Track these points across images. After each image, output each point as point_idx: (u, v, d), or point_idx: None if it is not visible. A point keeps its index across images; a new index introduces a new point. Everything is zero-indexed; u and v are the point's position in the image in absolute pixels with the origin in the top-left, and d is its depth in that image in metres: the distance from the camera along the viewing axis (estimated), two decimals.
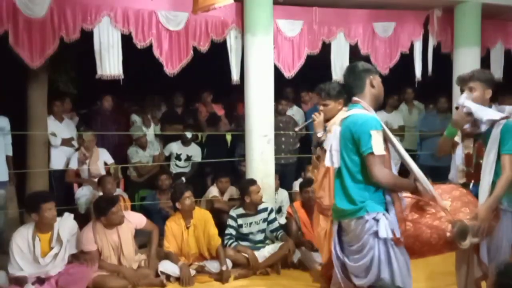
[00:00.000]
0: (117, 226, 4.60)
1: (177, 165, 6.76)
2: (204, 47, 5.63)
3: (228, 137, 7.45)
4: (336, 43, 6.24)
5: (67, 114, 6.51)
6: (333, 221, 3.79)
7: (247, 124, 5.66)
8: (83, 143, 6.03)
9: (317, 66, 6.34)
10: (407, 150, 3.05)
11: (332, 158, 2.92)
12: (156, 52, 5.40)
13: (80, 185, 6.10)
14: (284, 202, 6.02)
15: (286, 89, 7.16)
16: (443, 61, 6.75)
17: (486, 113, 3.10)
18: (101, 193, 5.47)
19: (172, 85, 6.80)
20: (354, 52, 6.33)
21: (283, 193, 6.07)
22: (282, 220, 5.63)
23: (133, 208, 5.68)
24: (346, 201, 2.82)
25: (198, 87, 7.73)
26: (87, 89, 6.84)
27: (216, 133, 7.10)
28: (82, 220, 4.85)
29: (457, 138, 3.35)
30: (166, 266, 4.75)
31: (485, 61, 6.90)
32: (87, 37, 5.13)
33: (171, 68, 5.48)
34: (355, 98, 2.92)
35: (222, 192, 5.99)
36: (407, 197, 2.89)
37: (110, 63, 5.21)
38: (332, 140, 2.95)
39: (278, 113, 6.37)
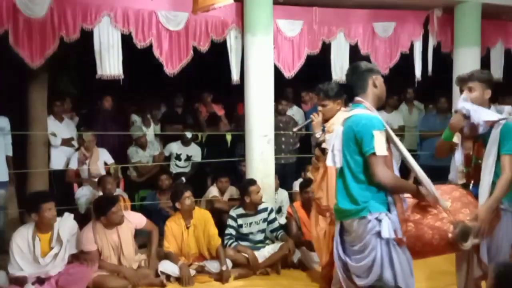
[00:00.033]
0: (117, 226, 4.59)
1: (177, 165, 6.75)
2: (204, 47, 5.63)
3: (228, 137, 7.44)
4: (336, 43, 6.24)
5: (67, 114, 6.52)
6: (335, 221, 3.82)
7: (247, 124, 5.66)
8: (83, 143, 6.03)
9: (317, 66, 6.35)
10: (407, 150, 3.04)
11: (334, 158, 2.90)
12: (156, 52, 5.40)
13: (80, 185, 6.10)
14: (284, 202, 6.02)
15: (286, 89, 7.17)
16: (443, 61, 6.76)
17: (484, 115, 3.09)
18: (101, 193, 5.47)
19: (172, 85, 6.80)
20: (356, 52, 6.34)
21: (283, 193, 6.07)
22: (282, 220, 5.63)
23: (133, 208, 5.67)
24: (348, 201, 2.80)
25: (198, 87, 7.73)
26: (87, 89, 6.85)
27: (216, 133, 7.10)
28: (82, 220, 4.85)
29: (456, 139, 3.35)
30: (166, 266, 4.75)
31: (485, 61, 6.90)
32: (87, 37, 5.13)
33: (171, 68, 5.48)
34: (357, 98, 2.91)
35: (222, 192, 5.99)
36: (408, 198, 2.89)
37: (110, 63, 5.21)
38: (334, 140, 2.93)
39: (278, 113, 6.37)
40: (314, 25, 6.06)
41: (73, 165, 6.02)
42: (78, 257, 4.53)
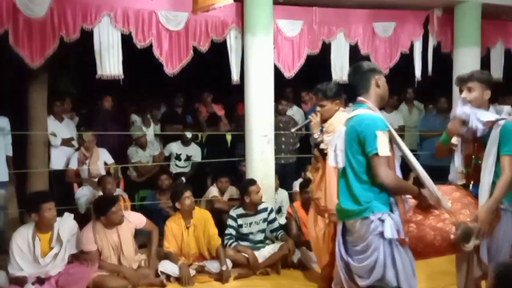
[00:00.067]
0: (117, 225, 4.59)
1: (177, 165, 6.75)
2: (204, 47, 5.63)
3: (228, 137, 7.45)
4: (336, 43, 6.24)
5: (67, 114, 6.51)
6: (333, 221, 3.82)
7: (247, 124, 5.66)
8: (83, 143, 6.03)
9: (317, 66, 6.34)
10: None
11: (336, 158, 2.90)
12: (156, 52, 5.40)
13: (80, 185, 6.11)
14: (284, 202, 6.02)
15: (286, 89, 7.16)
16: (443, 61, 6.76)
17: (482, 116, 3.08)
18: (101, 193, 5.47)
19: (172, 85, 6.80)
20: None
21: (283, 193, 6.07)
22: (282, 220, 5.63)
23: (133, 208, 5.67)
24: (351, 201, 2.79)
25: (198, 87, 7.73)
26: (87, 89, 6.85)
27: (216, 133, 7.10)
28: (82, 220, 4.85)
29: (455, 140, 3.35)
30: (166, 266, 4.75)
31: (485, 61, 6.90)
32: (87, 37, 5.13)
33: (171, 68, 5.48)
34: (360, 98, 2.89)
35: (222, 192, 5.99)
36: (411, 198, 2.88)
37: (110, 63, 5.21)
38: (337, 139, 2.92)
39: (278, 113, 6.37)
40: (314, 25, 6.06)
41: (73, 165, 6.02)
42: (78, 257, 4.53)
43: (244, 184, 5.16)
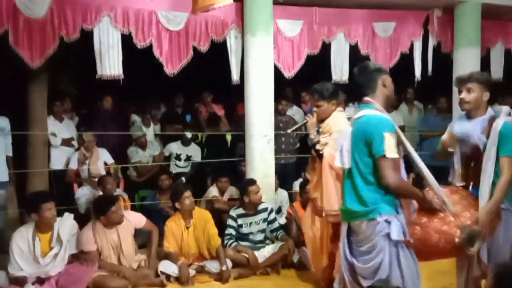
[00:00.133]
0: (116, 225, 4.60)
1: (177, 165, 6.75)
2: (204, 47, 5.63)
3: (228, 137, 7.44)
4: (336, 43, 6.24)
5: (67, 114, 6.51)
6: (334, 222, 3.81)
7: (247, 124, 5.66)
8: (83, 143, 6.03)
9: (317, 66, 6.34)
10: None
11: (343, 158, 2.86)
12: (156, 52, 5.40)
13: (80, 185, 6.11)
14: (284, 202, 6.02)
15: (286, 89, 7.16)
16: (443, 61, 6.75)
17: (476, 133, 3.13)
18: (101, 193, 5.47)
19: (172, 85, 6.80)
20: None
21: (283, 193, 6.06)
22: (282, 220, 5.62)
23: (133, 208, 5.67)
24: (357, 202, 2.77)
25: (198, 87, 7.73)
26: (87, 89, 6.84)
27: (216, 133, 7.10)
28: (82, 220, 4.85)
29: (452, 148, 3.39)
30: (166, 266, 4.75)
31: (485, 61, 6.90)
32: (87, 37, 5.13)
33: (171, 68, 5.48)
34: (366, 98, 2.87)
35: (222, 192, 5.98)
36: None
37: (110, 63, 5.21)
38: (343, 140, 2.90)
39: (278, 113, 6.37)
40: (314, 25, 6.06)
41: (73, 165, 6.02)
42: (78, 257, 4.53)
43: (244, 184, 5.16)
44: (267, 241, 5.25)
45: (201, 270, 4.89)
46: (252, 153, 5.59)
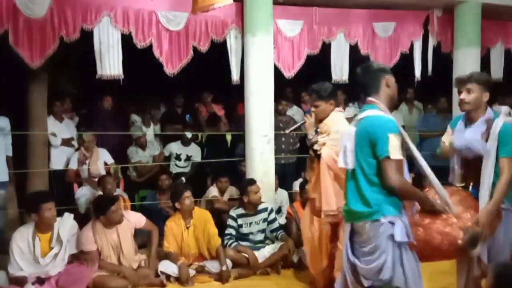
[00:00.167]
0: (116, 225, 4.60)
1: (177, 165, 6.75)
2: (204, 47, 5.63)
3: (228, 137, 7.44)
4: (336, 43, 6.24)
5: (67, 114, 6.51)
6: (333, 222, 3.81)
7: (247, 124, 5.66)
8: (83, 143, 6.02)
9: (317, 66, 6.34)
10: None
11: (346, 159, 2.84)
12: (156, 52, 5.40)
13: (80, 185, 6.11)
14: (284, 202, 6.01)
15: (286, 89, 7.16)
16: (443, 61, 6.75)
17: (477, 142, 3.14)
18: (101, 193, 5.47)
19: (172, 85, 6.80)
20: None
21: (283, 193, 6.06)
22: (282, 220, 5.63)
23: (133, 208, 5.67)
24: (360, 203, 2.76)
25: (198, 87, 7.73)
26: (87, 89, 6.84)
27: (216, 133, 7.10)
28: (82, 220, 4.85)
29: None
30: (166, 266, 4.75)
31: (485, 61, 6.90)
32: (87, 37, 5.13)
33: (171, 68, 5.48)
34: (370, 99, 2.85)
35: (222, 192, 5.98)
36: None
37: (110, 63, 5.21)
38: (346, 140, 2.86)
39: (278, 113, 6.37)
40: (314, 25, 6.06)
41: (73, 165, 6.02)
42: (78, 257, 4.53)
43: (244, 184, 5.16)
44: (267, 241, 5.25)
45: (201, 270, 4.88)
46: (252, 153, 5.59)
